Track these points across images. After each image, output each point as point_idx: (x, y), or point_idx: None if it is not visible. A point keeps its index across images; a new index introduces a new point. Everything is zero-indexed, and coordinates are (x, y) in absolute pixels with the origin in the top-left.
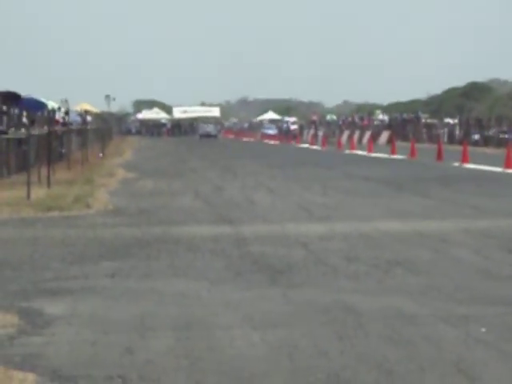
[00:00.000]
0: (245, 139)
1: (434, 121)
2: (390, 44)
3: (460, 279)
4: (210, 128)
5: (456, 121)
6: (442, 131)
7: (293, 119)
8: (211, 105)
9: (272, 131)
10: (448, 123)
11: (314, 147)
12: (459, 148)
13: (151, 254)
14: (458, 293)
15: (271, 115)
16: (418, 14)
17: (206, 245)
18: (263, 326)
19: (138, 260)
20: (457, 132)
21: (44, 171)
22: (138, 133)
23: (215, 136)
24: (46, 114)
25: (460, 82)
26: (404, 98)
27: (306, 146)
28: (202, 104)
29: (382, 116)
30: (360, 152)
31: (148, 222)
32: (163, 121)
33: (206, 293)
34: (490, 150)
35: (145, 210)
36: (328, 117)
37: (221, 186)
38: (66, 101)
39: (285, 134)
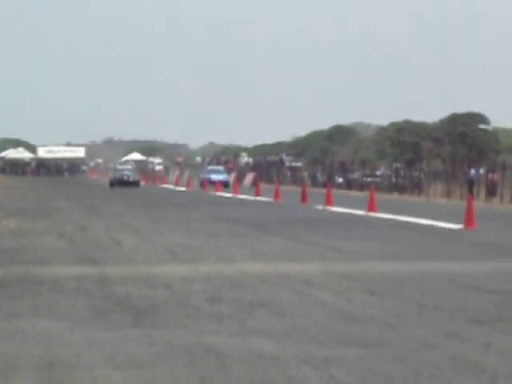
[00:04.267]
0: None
1: (298, 164)
2: (253, 86)
3: (322, 321)
4: (127, 171)
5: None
6: (305, 174)
7: (158, 160)
8: (77, 145)
9: (220, 176)
10: (312, 166)
11: (179, 188)
12: (323, 191)
13: (14, 294)
14: (321, 335)
15: (136, 156)
16: None
17: (70, 285)
18: (126, 366)
19: (0, 300)
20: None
21: None
22: (3, 172)
23: (136, 184)
24: None
25: (325, 125)
26: (269, 140)
27: (171, 186)
28: (68, 144)
29: (246, 158)
30: (225, 194)
31: (11, 261)
32: (28, 160)
33: (68, 333)
34: (353, 193)
35: (8, 249)
36: (198, 158)
37: (86, 226)
38: None
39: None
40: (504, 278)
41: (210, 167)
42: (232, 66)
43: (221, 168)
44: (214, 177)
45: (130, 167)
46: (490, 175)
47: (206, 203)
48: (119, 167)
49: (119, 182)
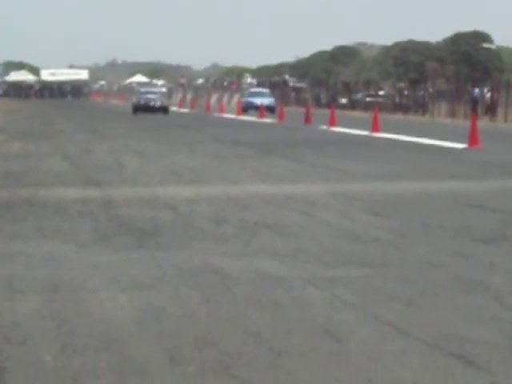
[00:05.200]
0: (113, 101)
1: (302, 84)
2: (257, 7)
3: (327, 242)
4: (153, 95)
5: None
6: (309, 95)
7: (161, 82)
8: (80, 67)
9: (265, 100)
10: (315, 87)
11: (183, 110)
12: (326, 111)
13: (18, 217)
14: (326, 255)
15: (140, 78)
16: None
17: (74, 207)
18: (131, 288)
19: (5, 222)
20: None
21: None
22: (6, 95)
23: (164, 110)
24: None
25: (328, 45)
26: (273, 60)
27: (174, 108)
28: (71, 66)
29: (250, 79)
30: (229, 115)
31: (15, 183)
32: (31, 83)
33: (73, 255)
34: (357, 114)
35: (12, 171)
36: (200, 80)
37: (89, 148)
38: None
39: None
40: (509, 196)
41: (253, 89)
42: None
43: (265, 90)
44: (258, 100)
45: (156, 90)
46: (489, 94)
47: (210, 125)
48: (143, 90)
49: (144, 108)
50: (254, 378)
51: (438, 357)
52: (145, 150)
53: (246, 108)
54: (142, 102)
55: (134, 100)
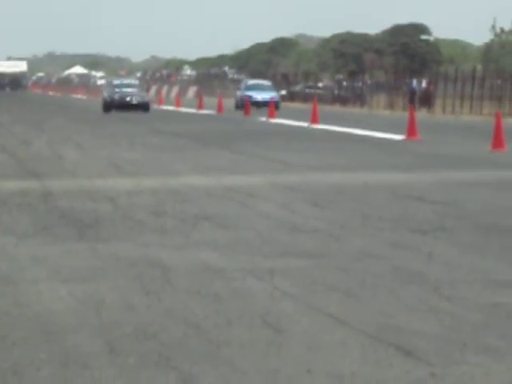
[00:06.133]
0: (51, 93)
1: (241, 76)
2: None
3: (266, 233)
4: (130, 89)
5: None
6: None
7: (100, 74)
8: (18, 59)
9: (267, 95)
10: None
11: None
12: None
13: None
14: (265, 246)
15: (79, 69)
16: None
17: (13, 199)
18: (71, 280)
19: None
20: None
21: None
22: None
23: (144, 107)
24: None
25: (267, 37)
26: (212, 53)
27: None
28: (9, 58)
29: (189, 71)
30: (168, 107)
31: None
32: None
33: (12, 248)
34: (296, 105)
35: None
36: (138, 74)
37: (28, 140)
38: None
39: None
40: (446, 188)
41: (252, 81)
42: None
43: (267, 83)
44: (258, 95)
45: (134, 82)
46: (424, 86)
47: (149, 117)
48: (117, 82)
49: (119, 105)
50: (194, 369)
51: (377, 347)
52: (84, 142)
53: (242, 104)
54: (117, 97)
55: (105, 95)
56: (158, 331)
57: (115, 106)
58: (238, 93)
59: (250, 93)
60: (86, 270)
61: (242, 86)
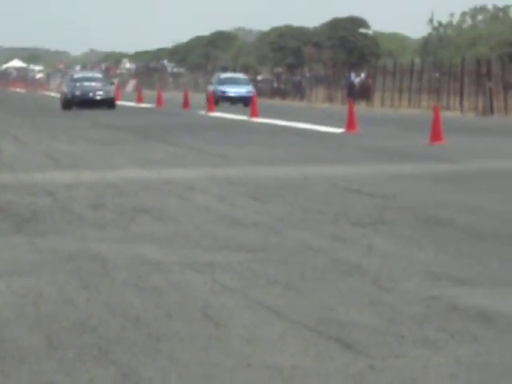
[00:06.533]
0: None
1: (181, 69)
2: None
3: (206, 226)
4: (94, 83)
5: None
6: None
7: (38, 68)
8: None
9: (243, 89)
10: (194, 72)
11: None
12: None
13: None
14: (204, 240)
15: (17, 63)
16: None
17: None
18: (9, 273)
19: None
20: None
21: None
22: None
23: (109, 103)
24: None
25: (206, 30)
26: (151, 46)
27: (53, 94)
28: None
29: (128, 65)
30: None
31: None
32: None
33: None
34: None
35: None
36: (77, 67)
37: None
38: None
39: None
40: (385, 181)
41: (224, 75)
42: None
43: (241, 76)
44: (232, 90)
45: (97, 76)
46: (359, 79)
47: (86, 111)
48: (78, 76)
49: (81, 102)
50: (134, 362)
51: (317, 340)
52: (22, 135)
53: (217, 100)
54: (78, 93)
55: (65, 90)
56: (97, 325)
57: (76, 102)
58: (210, 87)
59: (222, 87)
60: (25, 264)
61: (215, 79)
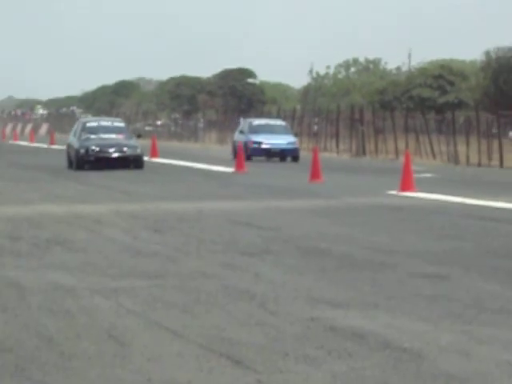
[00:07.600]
0: None
1: (89, 115)
2: (45, 42)
3: (112, 256)
4: (113, 136)
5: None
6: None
7: None
8: None
9: (283, 141)
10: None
11: None
12: None
13: None
14: (111, 268)
15: None
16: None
17: None
18: None
19: None
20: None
21: None
22: None
23: (137, 163)
24: None
25: (111, 80)
26: (61, 94)
27: None
28: None
29: (42, 110)
30: (23, 142)
31: None
32: None
33: None
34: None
35: None
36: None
37: None
38: None
39: None
40: (271, 215)
41: (258, 121)
42: (29, 20)
43: (280, 122)
44: (267, 141)
45: (120, 125)
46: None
47: (5, 151)
48: (94, 124)
49: (99, 160)
50: (47, 379)
51: (210, 358)
52: None
53: (249, 154)
54: (96, 149)
55: (77, 146)
56: (14, 345)
57: (93, 162)
58: (240, 137)
59: (256, 138)
60: None
61: (245, 126)
